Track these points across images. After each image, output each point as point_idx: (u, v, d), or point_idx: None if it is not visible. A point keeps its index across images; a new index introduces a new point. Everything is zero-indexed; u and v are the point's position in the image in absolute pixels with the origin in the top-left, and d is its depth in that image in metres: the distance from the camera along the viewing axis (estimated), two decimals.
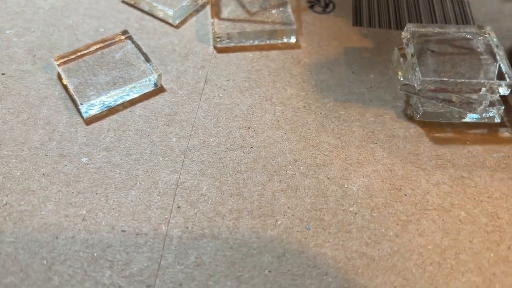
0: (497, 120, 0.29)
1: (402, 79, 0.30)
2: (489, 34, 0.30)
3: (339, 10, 0.36)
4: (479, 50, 0.30)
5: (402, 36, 0.30)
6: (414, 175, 0.27)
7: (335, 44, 0.33)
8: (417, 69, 0.28)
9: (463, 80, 0.27)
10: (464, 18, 0.35)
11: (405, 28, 0.30)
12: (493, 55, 0.29)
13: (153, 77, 0.30)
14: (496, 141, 0.28)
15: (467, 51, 0.30)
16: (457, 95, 0.28)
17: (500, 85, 0.28)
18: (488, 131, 0.29)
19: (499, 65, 0.29)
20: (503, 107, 0.29)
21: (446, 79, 0.27)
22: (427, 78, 0.27)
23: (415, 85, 0.28)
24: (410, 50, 0.29)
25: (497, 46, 0.29)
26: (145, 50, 0.32)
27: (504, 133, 0.29)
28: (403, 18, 0.35)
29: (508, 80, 0.28)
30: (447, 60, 0.30)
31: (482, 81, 0.28)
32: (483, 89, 0.28)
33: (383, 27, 0.35)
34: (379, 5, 0.36)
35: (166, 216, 0.25)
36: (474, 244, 0.24)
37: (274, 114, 0.29)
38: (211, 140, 0.28)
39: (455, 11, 0.36)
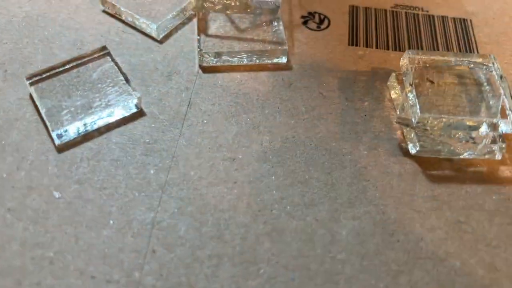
0: (499, 157, 0.27)
1: (398, 112, 0.28)
2: (493, 63, 0.28)
3: (335, 27, 0.34)
4: (481, 81, 0.28)
5: (400, 63, 0.28)
6: (408, 218, 0.25)
7: (328, 65, 0.31)
8: (415, 102, 0.26)
9: (463, 118, 0.26)
10: (466, 39, 0.33)
11: (404, 55, 0.28)
12: (496, 87, 0.27)
13: (132, 101, 0.28)
14: (497, 180, 0.27)
15: (469, 82, 0.28)
16: (456, 130, 0.27)
17: (502, 123, 0.26)
18: (488, 169, 0.27)
19: (503, 99, 0.27)
20: (505, 144, 0.27)
21: (446, 116, 0.26)
22: (426, 114, 0.25)
23: (412, 119, 0.26)
24: (408, 79, 0.27)
25: (501, 77, 0.28)
26: (125, 68, 0.30)
27: (506, 171, 0.27)
28: (402, 38, 0.33)
29: (511, 117, 0.26)
30: (447, 91, 0.28)
31: (484, 118, 0.26)
32: (484, 126, 0.26)
33: (381, 48, 0.32)
34: (377, 23, 0.34)
35: (139, 261, 0.23)
36: None
37: (261, 145, 0.27)
38: (192, 173, 0.26)
39: (457, 31, 0.34)
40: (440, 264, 0.24)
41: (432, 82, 0.28)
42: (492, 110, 0.27)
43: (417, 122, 0.26)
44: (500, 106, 0.27)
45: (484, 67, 0.28)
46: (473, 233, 0.25)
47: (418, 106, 0.26)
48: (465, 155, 0.27)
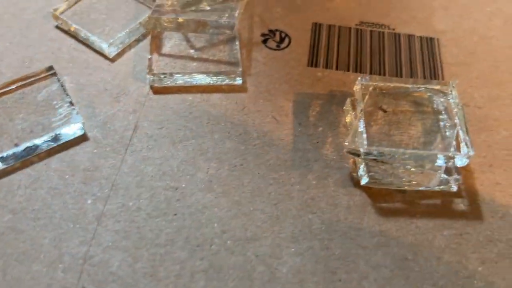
0: (454, 189, 0.26)
1: (346, 142, 0.26)
2: (451, 91, 0.27)
3: (295, 46, 0.32)
4: (439, 109, 0.27)
5: (354, 89, 0.27)
6: (353, 254, 0.24)
7: (285, 88, 0.30)
8: (363, 133, 0.25)
9: (412, 151, 0.24)
10: (432, 59, 0.32)
11: (357, 82, 0.27)
12: (453, 117, 0.26)
13: (76, 125, 0.27)
14: (450, 214, 0.26)
15: (426, 110, 0.27)
16: (408, 162, 0.25)
17: (456, 155, 0.25)
18: (442, 202, 0.26)
19: (457, 130, 0.26)
20: (460, 176, 0.26)
21: (395, 149, 0.24)
22: (373, 147, 0.24)
23: (361, 149, 0.25)
24: (358, 108, 0.26)
25: (458, 107, 0.26)
26: (73, 88, 0.29)
27: (460, 204, 0.26)
28: (364, 58, 0.32)
29: (465, 151, 0.25)
30: (402, 120, 0.27)
31: (436, 151, 0.25)
32: (438, 158, 0.25)
33: (341, 69, 0.31)
34: (340, 42, 0.33)
35: None
36: None
37: (207, 173, 0.26)
38: (130, 204, 0.25)
39: (423, 50, 0.33)
40: None
41: (385, 111, 0.26)
42: (447, 141, 0.26)
43: (365, 154, 0.25)
44: (455, 137, 0.26)
45: (443, 94, 0.27)
46: (420, 271, 0.24)
47: (365, 137, 0.25)
48: (418, 187, 0.26)
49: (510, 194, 0.27)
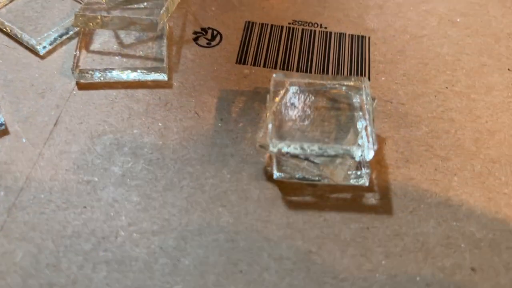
0: (365, 183, 0.26)
1: (261, 136, 0.27)
2: (364, 87, 0.27)
3: (226, 44, 0.33)
4: (355, 106, 0.27)
5: (270, 87, 0.28)
6: (257, 247, 0.24)
7: (210, 84, 0.31)
8: (272, 128, 0.25)
9: (320, 145, 0.25)
10: (360, 57, 0.32)
11: (272, 78, 0.27)
12: (364, 112, 0.27)
13: None
14: (359, 208, 0.26)
15: (342, 107, 0.27)
16: (319, 157, 0.26)
17: (365, 149, 0.25)
18: (352, 196, 0.26)
19: (367, 125, 0.26)
20: (369, 170, 0.26)
21: (302, 143, 0.25)
22: (280, 142, 0.25)
23: (270, 145, 0.25)
24: (269, 105, 0.26)
25: (369, 102, 0.27)
26: (0, 84, 0.30)
27: (370, 199, 0.26)
28: (293, 56, 0.32)
29: (370, 145, 0.25)
30: (315, 116, 0.27)
31: (344, 146, 0.25)
32: (348, 152, 0.25)
33: (268, 67, 0.32)
34: (270, 40, 0.33)
35: None
36: None
37: (122, 167, 0.27)
38: (42, 196, 0.25)
39: (353, 48, 0.33)
40: None
41: (295, 106, 0.27)
42: (360, 136, 0.26)
43: (273, 148, 0.25)
44: (364, 132, 0.26)
45: (358, 90, 0.28)
46: (322, 264, 0.24)
47: (272, 132, 0.25)
48: (328, 181, 0.26)
49: (423, 189, 0.27)
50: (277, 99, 0.27)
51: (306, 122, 0.27)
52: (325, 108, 0.28)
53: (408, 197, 0.27)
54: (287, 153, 0.25)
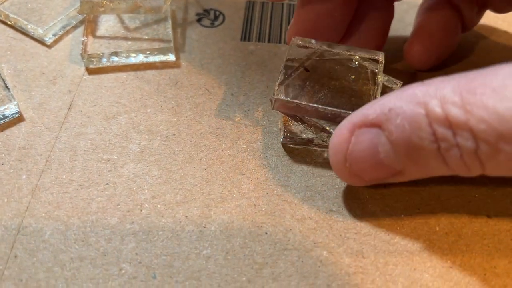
0: None
1: (274, 95, 0.27)
2: (381, 62, 0.28)
3: (229, 23, 0.34)
4: (364, 78, 0.28)
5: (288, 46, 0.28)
6: (279, 209, 0.25)
7: (218, 62, 0.31)
8: (277, 85, 0.26)
9: (318, 106, 0.25)
10: None
11: (292, 41, 0.28)
12: (375, 84, 0.27)
13: (11, 107, 0.28)
14: None
15: (352, 77, 0.28)
16: (322, 123, 0.26)
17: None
18: None
19: (376, 95, 0.26)
20: None
21: (298, 101, 0.25)
22: (281, 97, 0.25)
23: (273, 97, 0.26)
24: (282, 65, 0.27)
25: (379, 78, 0.27)
26: (10, 74, 0.30)
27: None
28: None
29: None
30: (324, 82, 0.27)
31: (337, 110, 0.25)
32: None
33: (273, 42, 0.32)
34: (272, 17, 0.34)
35: (0, 267, 0.23)
36: None
37: (139, 144, 0.27)
38: (63, 176, 0.26)
39: None
40: (306, 254, 0.23)
41: (307, 70, 0.27)
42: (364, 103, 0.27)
43: (275, 101, 0.25)
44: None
45: (371, 62, 0.28)
46: (344, 221, 0.25)
47: (279, 87, 0.25)
48: None
49: None
50: (284, 61, 0.27)
51: (314, 85, 0.27)
52: (337, 77, 0.28)
53: None
54: (295, 115, 0.26)
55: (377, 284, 0.23)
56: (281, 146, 0.27)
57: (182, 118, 0.28)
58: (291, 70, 0.27)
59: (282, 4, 0.35)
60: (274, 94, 0.26)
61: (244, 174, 0.26)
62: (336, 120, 0.25)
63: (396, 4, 0.31)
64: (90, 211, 0.25)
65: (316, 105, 0.25)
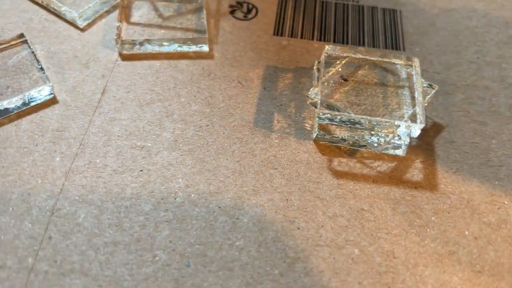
0: (402, 153, 0.27)
1: (311, 95, 0.27)
2: (415, 66, 0.28)
3: (262, 17, 0.34)
4: (401, 83, 0.28)
5: (321, 58, 0.28)
6: (311, 205, 0.25)
7: (251, 55, 0.31)
8: (319, 99, 0.26)
9: (363, 117, 0.25)
10: (393, 29, 0.33)
11: (325, 49, 0.28)
12: (412, 89, 0.27)
13: (45, 88, 0.28)
14: (404, 170, 0.27)
15: (390, 83, 0.28)
16: (363, 126, 0.26)
17: (411, 126, 0.26)
18: (397, 159, 0.27)
19: (416, 102, 0.27)
20: (408, 142, 0.27)
21: (349, 113, 0.25)
22: (325, 111, 0.25)
23: (316, 112, 0.26)
24: (321, 75, 0.27)
25: (419, 82, 0.27)
26: (44, 55, 0.30)
27: (415, 161, 0.27)
28: (328, 28, 0.33)
29: (419, 123, 0.26)
30: (363, 89, 0.28)
31: (389, 120, 0.25)
32: (394, 126, 0.26)
33: (305, 38, 0.32)
34: (305, 13, 0.34)
35: (35, 248, 0.23)
36: (363, 286, 0.23)
37: (173, 133, 0.27)
38: (97, 161, 0.26)
39: (385, 21, 0.34)
40: (338, 251, 0.24)
41: (345, 80, 0.28)
42: (404, 112, 0.27)
43: (319, 117, 0.26)
44: (411, 109, 0.27)
45: (407, 68, 0.28)
46: (375, 221, 0.25)
47: (319, 103, 0.26)
48: (367, 149, 0.27)
49: (464, 151, 0.28)
50: (331, 69, 0.28)
51: (354, 94, 0.27)
52: (373, 83, 0.28)
53: (451, 159, 0.27)
54: (333, 119, 0.26)
55: (408, 284, 0.23)
56: (313, 143, 0.27)
57: (215, 109, 0.29)
58: (329, 78, 0.28)
59: (315, 0, 0.35)
60: (317, 108, 0.26)
61: (276, 169, 0.26)
62: (374, 125, 0.26)
63: (427, 8, 0.31)
64: (124, 197, 0.25)
65: (359, 116, 0.25)
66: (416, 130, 0.26)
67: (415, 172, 0.27)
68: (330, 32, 0.33)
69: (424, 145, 0.28)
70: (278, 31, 0.33)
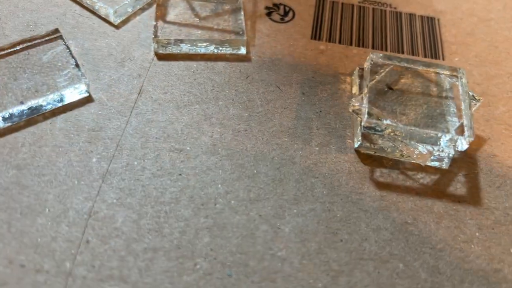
0: (446, 166, 0.26)
1: (355, 103, 0.27)
2: (461, 77, 0.27)
3: (299, 20, 0.33)
4: (445, 94, 0.27)
5: (364, 65, 0.28)
6: (354, 217, 0.25)
7: (288, 59, 0.31)
8: (366, 107, 0.25)
9: (412, 128, 0.25)
10: (432, 38, 0.33)
11: (368, 58, 0.27)
12: (459, 102, 0.27)
13: (81, 86, 0.27)
14: (447, 183, 0.26)
15: (433, 93, 0.28)
16: (405, 139, 0.26)
17: (458, 139, 0.25)
18: (440, 172, 0.27)
19: (463, 115, 0.26)
20: (452, 154, 0.26)
21: (395, 124, 0.25)
22: (372, 120, 0.25)
23: (361, 121, 0.25)
24: (366, 82, 0.26)
25: (466, 94, 0.27)
26: (78, 52, 0.29)
27: (458, 175, 0.27)
28: (366, 34, 0.32)
29: (466, 137, 0.25)
30: (407, 99, 0.27)
31: (435, 133, 0.25)
32: (438, 138, 0.25)
33: (344, 43, 0.32)
34: (343, 18, 0.33)
35: (72, 251, 0.22)
36: None
37: (212, 137, 0.27)
38: (135, 163, 0.25)
39: (424, 29, 0.33)
40: (382, 265, 0.23)
41: (391, 88, 0.27)
42: (450, 124, 0.26)
43: (365, 127, 0.25)
44: (458, 121, 0.26)
45: (452, 79, 0.28)
46: (419, 235, 0.24)
47: (366, 112, 0.25)
48: (410, 160, 0.26)
49: (507, 166, 0.27)
50: (375, 77, 0.27)
51: (398, 103, 0.27)
52: (416, 93, 0.28)
53: (493, 173, 0.27)
54: (376, 129, 0.25)
55: None
56: (355, 152, 0.27)
57: (254, 114, 0.28)
58: (373, 86, 0.27)
59: (352, 5, 0.34)
60: (361, 116, 0.25)
61: (317, 178, 0.26)
62: (419, 136, 0.25)
63: (465, 17, 0.31)
64: (163, 201, 0.24)
65: (406, 127, 0.25)
66: (463, 143, 0.25)
67: (458, 185, 0.26)
68: (368, 38, 0.32)
69: (466, 158, 0.27)
70: (316, 35, 0.32)
